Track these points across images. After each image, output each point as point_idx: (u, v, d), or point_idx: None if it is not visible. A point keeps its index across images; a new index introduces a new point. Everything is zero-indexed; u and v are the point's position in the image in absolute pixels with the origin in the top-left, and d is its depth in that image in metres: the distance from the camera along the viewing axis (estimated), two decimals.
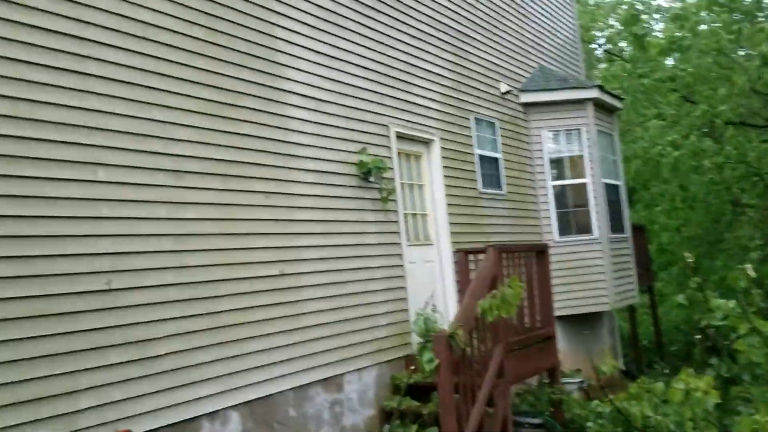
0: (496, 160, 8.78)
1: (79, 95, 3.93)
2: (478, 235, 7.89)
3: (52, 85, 3.78)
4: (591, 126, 9.78)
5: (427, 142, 7.53)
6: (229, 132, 4.95)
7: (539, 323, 6.81)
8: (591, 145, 9.74)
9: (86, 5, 4.03)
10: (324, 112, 5.96)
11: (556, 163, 9.87)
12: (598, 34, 18.09)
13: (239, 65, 5.13)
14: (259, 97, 5.27)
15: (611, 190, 10.26)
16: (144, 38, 4.40)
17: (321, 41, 6.02)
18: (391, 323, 6.35)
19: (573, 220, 9.77)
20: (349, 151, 6.18)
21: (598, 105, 10.08)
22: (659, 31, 16.54)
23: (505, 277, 5.73)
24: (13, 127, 3.56)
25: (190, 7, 4.79)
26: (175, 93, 4.57)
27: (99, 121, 4.02)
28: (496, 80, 9.13)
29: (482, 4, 8.98)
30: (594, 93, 9.95)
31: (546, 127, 9.82)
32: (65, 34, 3.88)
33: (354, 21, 6.49)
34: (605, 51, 17.67)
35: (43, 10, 3.76)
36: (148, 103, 4.37)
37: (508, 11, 9.67)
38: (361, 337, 5.94)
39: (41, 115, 3.70)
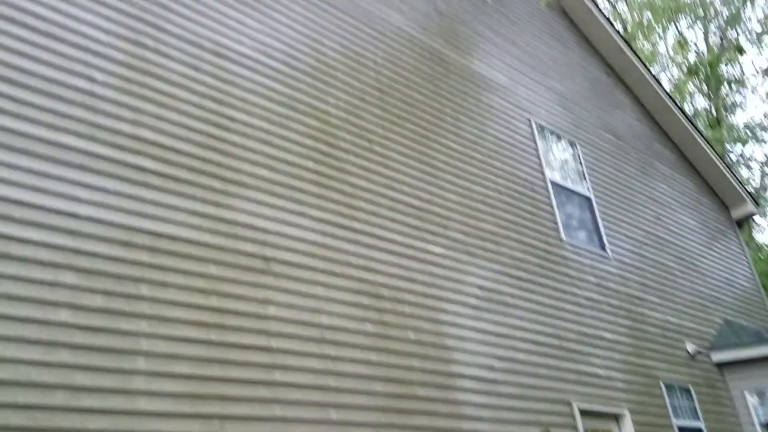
0: (699, 431, 7.66)
1: (266, 405, 4.07)
2: None
3: (241, 398, 3.94)
4: None
5: (616, 417, 6.79)
6: (403, 425, 4.78)
7: None
8: None
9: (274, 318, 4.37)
10: (498, 394, 5.66)
11: None
12: None
13: (409, 353, 5.15)
14: (430, 384, 5.16)
15: None
16: (323, 340, 4.61)
17: (487, 320, 5.98)
18: None
19: None
20: None
21: None
22: None
23: None
24: None
25: (361, 306, 5.04)
26: (350, 390, 4.60)
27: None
28: (681, 341, 8.40)
29: (650, 272, 8.70)
30: None
31: (749, 388, 8.61)
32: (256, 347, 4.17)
33: (518, 297, 6.46)
34: None
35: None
36: (326, 404, 4.41)
37: (677, 269, 9.26)
38: None
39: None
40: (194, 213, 4.37)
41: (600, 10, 10.37)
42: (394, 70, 6.65)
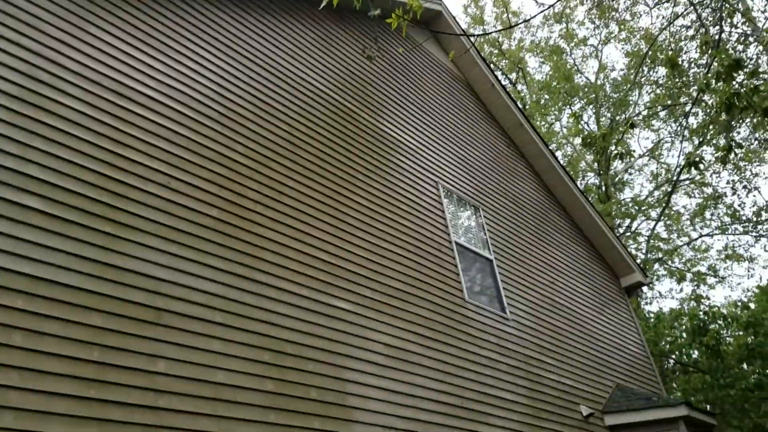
0: None
1: None
2: None
3: None
4: None
5: None
6: None
7: None
8: None
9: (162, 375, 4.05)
10: None
11: None
12: (667, 346, 17.64)
13: (311, 413, 4.91)
14: None
15: None
16: (218, 399, 4.31)
17: (391, 379, 5.85)
18: None
19: None
20: None
21: (690, 423, 9.20)
22: (733, 336, 16.03)
23: None
24: None
25: (262, 362, 4.79)
26: None
27: None
28: (575, 403, 8.57)
29: (546, 334, 8.93)
30: (683, 411, 9.15)
31: None
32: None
33: (422, 356, 6.40)
34: (678, 362, 16.99)
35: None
36: None
37: (571, 333, 9.57)
38: None
39: None
40: (79, 257, 4.05)
41: (503, 86, 10.95)
42: (306, 124, 6.63)
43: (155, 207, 4.66)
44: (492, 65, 24.77)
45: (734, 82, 5.30)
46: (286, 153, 6.14)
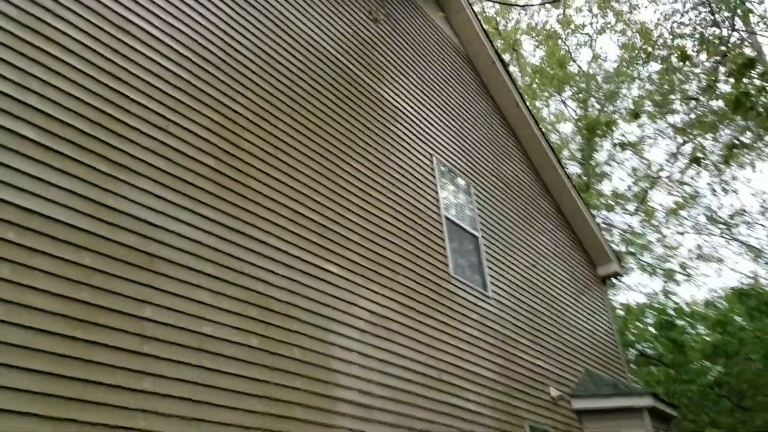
0: None
1: (131, 414, 3.63)
2: None
3: (103, 404, 3.50)
4: None
5: None
6: None
7: None
8: None
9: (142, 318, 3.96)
10: (374, 420, 5.50)
11: None
12: (632, 337, 18.00)
13: (293, 373, 4.88)
14: (310, 406, 4.91)
15: None
16: (202, 350, 4.25)
17: (372, 345, 5.84)
18: None
19: None
20: None
21: (654, 413, 9.41)
22: (698, 334, 16.42)
23: None
24: None
25: (248, 317, 4.73)
26: (226, 406, 4.25)
27: None
28: (546, 385, 8.70)
29: (523, 315, 9.00)
30: (648, 401, 9.35)
31: None
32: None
33: (404, 326, 6.39)
34: (643, 355, 17.37)
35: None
36: (198, 419, 4.04)
37: (547, 316, 9.67)
38: None
39: None
40: (74, 194, 3.91)
41: (503, 63, 10.86)
42: (308, 81, 6.49)
43: (152, 150, 4.52)
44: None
45: (744, 81, 5.30)
46: (285, 108, 6.01)
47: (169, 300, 4.21)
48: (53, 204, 3.77)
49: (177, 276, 4.32)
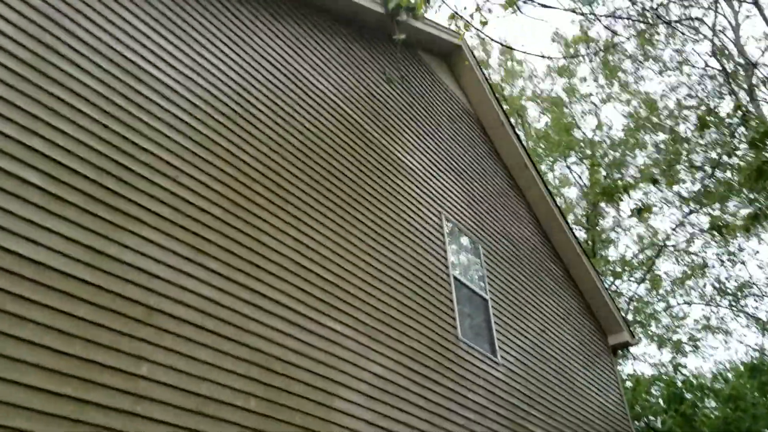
0: None
1: None
2: None
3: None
4: None
5: None
6: None
7: None
8: None
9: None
10: None
11: None
12: (640, 410, 17.39)
13: None
14: None
15: None
16: (199, 413, 3.98)
17: (378, 412, 5.52)
18: None
19: None
20: None
21: None
22: (708, 408, 15.86)
23: None
24: None
25: (249, 378, 4.47)
26: None
27: None
28: None
29: (534, 384, 8.66)
30: None
31: None
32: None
33: (410, 392, 6.08)
34: (652, 429, 16.73)
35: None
36: None
37: (557, 385, 9.30)
38: None
39: None
40: (74, 242, 3.73)
41: (512, 124, 10.86)
42: (319, 136, 6.41)
43: (159, 199, 4.37)
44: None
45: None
46: (296, 162, 5.89)
47: (167, 357, 3.97)
48: (52, 252, 3.58)
49: (177, 331, 4.09)
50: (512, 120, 25.41)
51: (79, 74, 4.22)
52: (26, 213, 3.55)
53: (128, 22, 4.77)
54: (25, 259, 3.44)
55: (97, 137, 4.16)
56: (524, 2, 7.14)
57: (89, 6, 4.51)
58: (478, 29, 6.00)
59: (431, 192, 8.12)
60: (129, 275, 3.95)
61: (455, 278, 7.80)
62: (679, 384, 15.59)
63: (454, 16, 5.91)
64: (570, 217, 24.33)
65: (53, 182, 3.77)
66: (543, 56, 7.57)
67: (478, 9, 5.88)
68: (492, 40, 6.83)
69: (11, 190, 3.52)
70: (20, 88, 3.82)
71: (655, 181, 6.43)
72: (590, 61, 22.65)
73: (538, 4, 6.49)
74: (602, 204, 22.94)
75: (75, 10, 4.39)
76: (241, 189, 5.11)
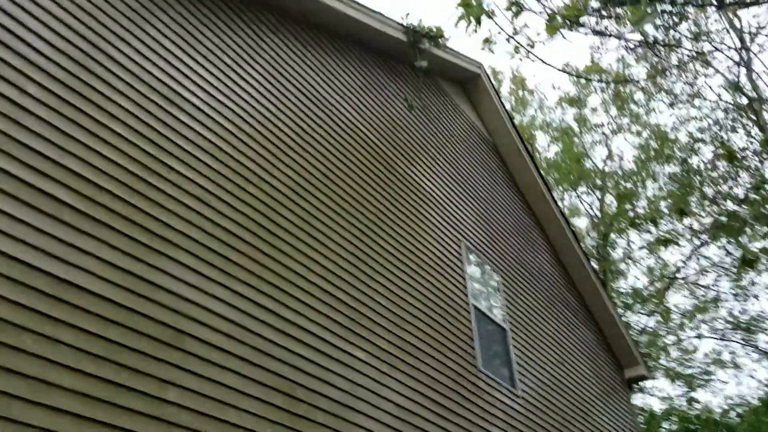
0: None
1: None
2: None
3: None
4: None
5: None
6: None
7: None
8: None
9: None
10: None
11: None
12: None
13: None
14: None
15: None
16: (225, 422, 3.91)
17: None
18: None
19: None
20: None
21: None
22: None
23: None
24: None
25: (274, 405, 4.39)
26: None
27: None
28: None
29: (552, 417, 8.51)
30: None
31: None
32: None
33: (430, 422, 5.97)
34: None
35: None
36: None
37: (574, 419, 9.13)
38: None
39: None
40: (107, 263, 3.70)
41: (530, 154, 10.85)
42: (344, 161, 6.41)
43: (191, 222, 4.35)
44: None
45: None
46: (321, 186, 5.88)
47: (196, 382, 3.91)
48: (85, 273, 3.56)
49: (206, 356, 4.04)
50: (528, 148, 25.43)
51: (117, 97, 4.24)
52: (60, 233, 3.53)
53: (165, 48, 4.81)
54: (60, 280, 3.41)
55: (131, 158, 4.15)
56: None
57: (130, 33, 4.56)
58: (531, 51, 5.99)
59: (451, 219, 8.09)
60: (161, 298, 3.91)
61: (475, 307, 7.72)
62: (695, 419, 15.31)
63: (488, 40, 5.92)
64: (582, 246, 24.19)
65: (87, 202, 3.75)
66: (579, 76, 7.54)
67: (532, 44, 5.89)
68: (544, 62, 6.76)
69: (46, 210, 3.51)
70: (60, 110, 3.83)
71: (683, 213, 6.35)
72: (602, 90, 22.73)
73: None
74: (612, 234, 22.84)
75: (117, 37, 4.43)
76: (268, 213, 5.09)
